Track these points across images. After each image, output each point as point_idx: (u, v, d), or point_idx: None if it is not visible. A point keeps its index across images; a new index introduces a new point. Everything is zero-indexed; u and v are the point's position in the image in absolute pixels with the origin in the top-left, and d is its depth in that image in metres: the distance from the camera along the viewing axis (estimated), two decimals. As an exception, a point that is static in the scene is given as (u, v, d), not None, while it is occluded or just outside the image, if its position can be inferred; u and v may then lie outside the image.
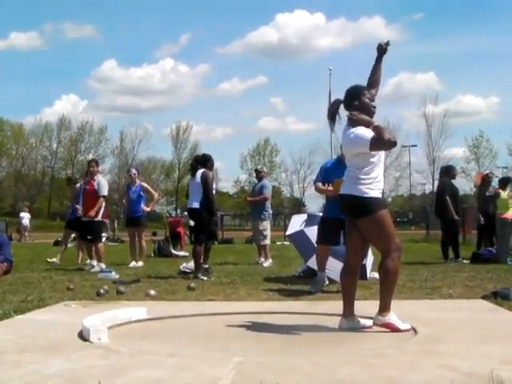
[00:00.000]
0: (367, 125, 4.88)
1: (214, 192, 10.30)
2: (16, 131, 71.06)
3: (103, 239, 24.65)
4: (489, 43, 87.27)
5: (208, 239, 10.30)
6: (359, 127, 4.91)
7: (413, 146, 64.18)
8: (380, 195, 5.01)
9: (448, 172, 13.47)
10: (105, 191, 11.80)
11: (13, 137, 71.05)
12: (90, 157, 69.73)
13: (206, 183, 9.97)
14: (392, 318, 4.94)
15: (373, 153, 4.89)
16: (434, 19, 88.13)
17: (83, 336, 4.50)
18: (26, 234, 31.36)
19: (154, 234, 23.62)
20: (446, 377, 3.22)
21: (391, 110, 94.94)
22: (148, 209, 13.17)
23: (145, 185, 13.47)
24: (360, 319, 5.07)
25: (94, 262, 11.55)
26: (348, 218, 5.15)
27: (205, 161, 10.46)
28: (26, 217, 31.73)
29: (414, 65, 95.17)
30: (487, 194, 14.33)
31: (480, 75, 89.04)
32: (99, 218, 11.72)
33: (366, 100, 5.11)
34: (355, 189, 4.93)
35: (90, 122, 72.03)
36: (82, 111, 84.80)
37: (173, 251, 16.06)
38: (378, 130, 4.82)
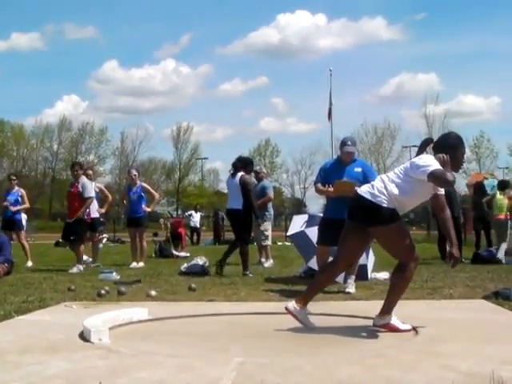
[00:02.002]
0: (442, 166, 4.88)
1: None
2: (16, 132, 70.97)
3: (104, 240, 24.90)
4: (491, 43, 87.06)
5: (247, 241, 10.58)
6: (433, 158, 4.94)
7: (413, 146, 64.07)
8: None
9: None
10: (90, 193, 11.92)
11: (13, 138, 70.95)
12: (91, 158, 69.99)
13: (245, 188, 10.19)
14: (392, 319, 4.95)
15: (423, 184, 4.89)
16: (435, 19, 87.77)
17: (84, 337, 4.50)
18: (24, 234, 31.38)
19: (155, 234, 23.63)
20: (447, 377, 3.22)
21: (392, 110, 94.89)
22: (149, 209, 13.17)
23: (145, 185, 13.47)
24: (308, 315, 5.10)
25: (89, 259, 11.64)
26: (355, 221, 5.09)
27: (246, 164, 10.67)
28: (23, 218, 31.73)
29: (415, 65, 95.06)
30: (483, 200, 14.43)
31: (482, 76, 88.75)
32: (84, 217, 11.90)
33: (460, 156, 5.13)
34: (379, 198, 4.90)
35: (91, 122, 71.91)
36: (82, 112, 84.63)
37: (174, 252, 16.07)
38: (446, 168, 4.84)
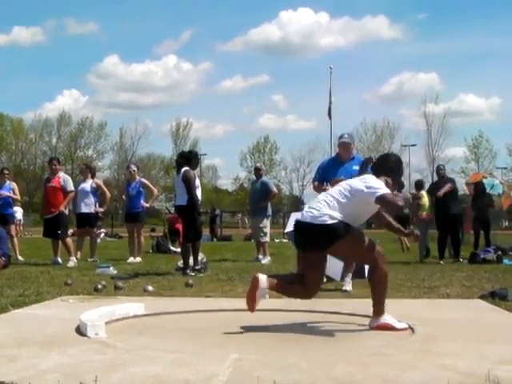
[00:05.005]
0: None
1: (199, 191, 10.10)
2: (16, 126, 70.96)
3: (101, 235, 24.90)
4: (492, 44, 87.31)
5: (195, 239, 10.05)
6: (379, 180, 4.92)
7: (412, 145, 64.27)
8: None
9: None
10: (72, 186, 12.17)
11: (12, 132, 70.97)
12: (90, 153, 70.09)
13: (187, 183, 9.84)
14: (387, 318, 4.95)
15: (369, 204, 4.86)
16: (437, 19, 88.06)
17: (81, 331, 4.50)
18: (20, 228, 31.39)
19: (153, 230, 23.62)
20: (443, 376, 3.22)
21: (392, 109, 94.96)
22: (147, 205, 13.18)
23: (144, 181, 13.50)
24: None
25: (59, 259, 11.62)
26: (307, 251, 4.98)
27: (190, 158, 10.27)
28: (18, 211, 31.80)
29: (416, 64, 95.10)
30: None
31: (482, 76, 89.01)
32: (65, 211, 12.04)
33: (399, 179, 5.18)
34: (321, 218, 4.79)
35: (90, 117, 72.04)
36: (82, 107, 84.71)
37: (171, 247, 16.07)
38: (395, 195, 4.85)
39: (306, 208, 5.08)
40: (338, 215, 4.77)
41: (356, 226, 4.92)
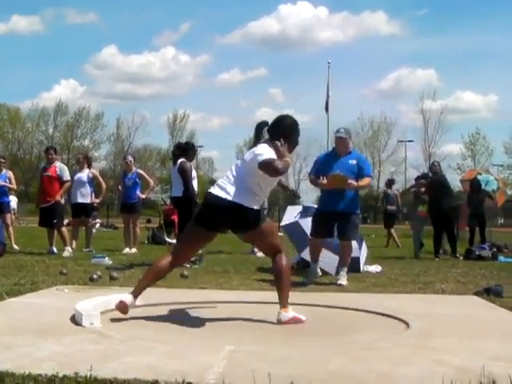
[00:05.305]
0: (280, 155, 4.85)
1: (195, 182, 10.11)
2: (12, 115, 70.87)
3: (97, 225, 24.88)
4: (491, 42, 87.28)
5: None
6: (267, 147, 4.90)
7: (409, 141, 64.36)
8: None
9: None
10: (69, 176, 12.17)
11: (9, 120, 70.88)
12: (86, 143, 70.03)
13: (183, 175, 9.81)
14: (292, 312, 4.94)
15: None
16: (436, 16, 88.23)
17: (75, 320, 4.50)
18: (14, 217, 31.38)
19: (149, 221, 23.60)
20: (438, 371, 3.22)
21: (389, 105, 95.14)
22: (143, 196, 13.18)
23: (141, 172, 13.47)
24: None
25: (54, 248, 11.62)
26: (217, 222, 4.94)
27: (186, 149, 10.24)
28: (13, 200, 31.78)
29: (414, 61, 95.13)
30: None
31: (480, 73, 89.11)
32: (61, 201, 12.01)
33: (294, 141, 5.13)
34: (244, 199, 4.80)
35: (87, 107, 71.97)
36: (79, 97, 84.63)
37: (167, 239, 16.03)
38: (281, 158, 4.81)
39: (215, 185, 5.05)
40: (241, 191, 4.79)
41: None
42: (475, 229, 14.92)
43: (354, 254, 8.20)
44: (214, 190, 4.88)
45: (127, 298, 4.82)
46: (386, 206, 18.67)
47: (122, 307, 4.78)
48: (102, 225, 28.49)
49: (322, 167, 7.80)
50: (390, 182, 20.05)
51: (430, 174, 13.83)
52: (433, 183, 13.22)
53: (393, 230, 18.65)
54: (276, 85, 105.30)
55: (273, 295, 5.23)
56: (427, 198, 13.38)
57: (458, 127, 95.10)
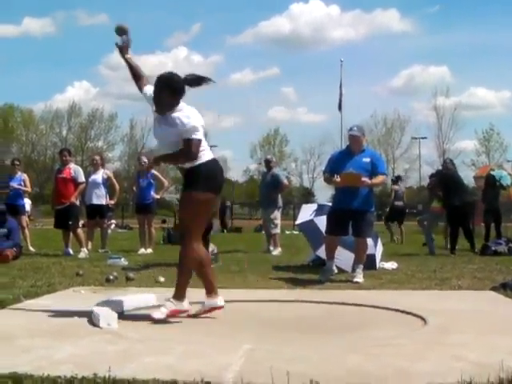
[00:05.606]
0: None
1: None
2: (26, 117, 71.14)
3: (112, 226, 24.96)
4: (504, 37, 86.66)
5: (206, 230, 10.03)
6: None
7: (423, 138, 64.11)
8: None
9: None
10: (83, 177, 12.19)
11: (23, 123, 71.17)
12: (100, 144, 70.15)
13: None
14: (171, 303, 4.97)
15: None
16: (448, 12, 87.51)
17: (93, 322, 4.52)
18: (27, 219, 31.51)
19: (164, 221, 23.65)
20: (456, 367, 3.21)
21: (402, 102, 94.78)
22: (158, 196, 13.23)
23: (155, 172, 13.49)
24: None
25: (70, 250, 11.66)
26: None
27: None
28: (27, 203, 31.91)
29: (427, 58, 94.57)
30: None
31: (493, 69, 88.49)
32: (76, 202, 12.03)
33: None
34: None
35: (101, 109, 72.07)
36: (92, 98, 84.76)
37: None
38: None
39: None
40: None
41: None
42: (491, 224, 14.82)
43: (369, 251, 8.19)
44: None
45: (186, 305, 5.00)
46: (394, 201, 18.61)
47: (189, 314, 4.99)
48: (117, 226, 28.58)
49: (336, 165, 7.80)
50: (397, 179, 20.19)
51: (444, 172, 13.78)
52: (442, 180, 13.16)
53: (403, 227, 18.61)
54: (288, 84, 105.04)
55: (289, 294, 5.24)
56: (442, 194, 13.32)
57: (471, 123, 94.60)
